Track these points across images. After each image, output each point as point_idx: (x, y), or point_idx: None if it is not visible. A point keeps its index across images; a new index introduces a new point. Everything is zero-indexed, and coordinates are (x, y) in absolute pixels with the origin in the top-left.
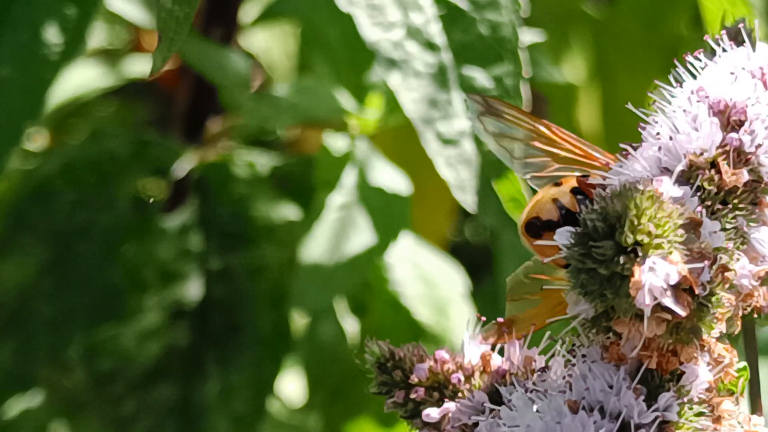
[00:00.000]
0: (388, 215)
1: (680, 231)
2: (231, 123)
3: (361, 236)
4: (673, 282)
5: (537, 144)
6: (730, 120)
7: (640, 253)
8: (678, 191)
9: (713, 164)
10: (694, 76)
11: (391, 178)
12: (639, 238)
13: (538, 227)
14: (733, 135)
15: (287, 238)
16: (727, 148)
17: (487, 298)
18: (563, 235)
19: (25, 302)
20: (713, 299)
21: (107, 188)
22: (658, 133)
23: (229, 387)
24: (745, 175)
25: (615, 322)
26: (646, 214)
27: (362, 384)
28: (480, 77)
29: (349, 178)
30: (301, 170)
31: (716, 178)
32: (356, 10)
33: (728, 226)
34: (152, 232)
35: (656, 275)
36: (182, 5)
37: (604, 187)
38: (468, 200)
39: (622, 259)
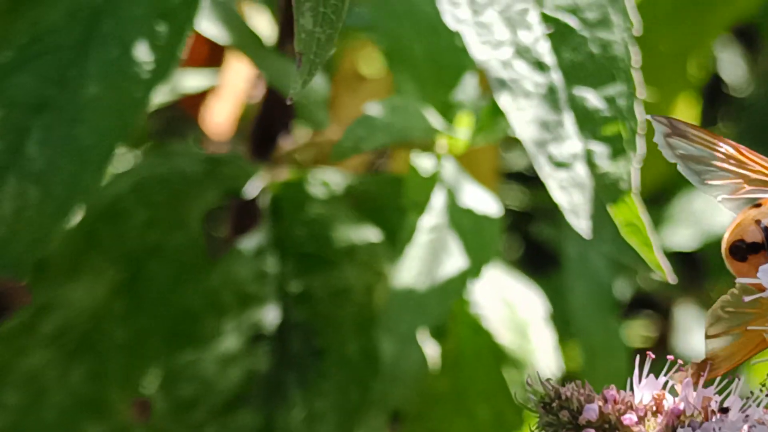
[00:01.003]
0: (480, 238)
1: None
2: (311, 141)
3: (454, 260)
4: None
5: (726, 165)
6: None
7: None
8: None
9: None
10: None
11: (480, 200)
12: None
13: (743, 250)
14: None
15: (370, 260)
16: None
17: None
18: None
19: (97, 325)
20: None
21: (179, 207)
22: None
23: (314, 413)
24: None
25: None
26: None
27: (440, 408)
28: (592, 98)
29: (438, 199)
30: (376, 189)
31: None
32: (464, 28)
33: None
34: (227, 253)
35: None
36: (325, 27)
37: None
38: (582, 225)
39: None
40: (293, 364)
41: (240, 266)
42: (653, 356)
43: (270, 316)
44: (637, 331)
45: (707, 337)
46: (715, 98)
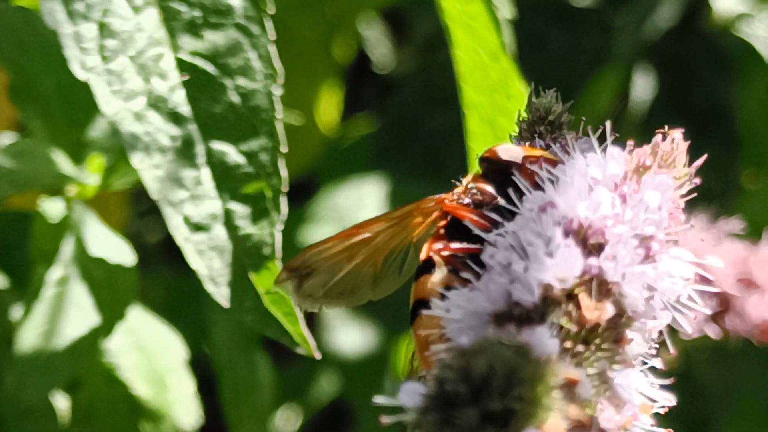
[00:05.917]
0: (113, 290)
1: (555, 393)
2: None
3: (84, 315)
4: None
5: (359, 260)
6: (587, 243)
7: (512, 423)
8: (553, 344)
9: (571, 297)
10: (536, 188)
11: (113, 248)
12: (509, 404)
13: None
14: (593, 261)
15: None
16: (587, 277)
17: None
18: (411, 394)
19: None
20: None
21: None
22: (506, 261)
23: None
24: (609, 310)
25: None
26: (516, 374)
27: None
28: (232, 153)
29: (67, 248)
30: (3, 228)
31: (576, 313)
32: (92, 76)
33: (590, 371)
34: None
35: None
36: None
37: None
38: (221, 294)
39: (489, 431)
40: None
41: None
42: None
43: None
44: None
45: None
46: (361, 77)
